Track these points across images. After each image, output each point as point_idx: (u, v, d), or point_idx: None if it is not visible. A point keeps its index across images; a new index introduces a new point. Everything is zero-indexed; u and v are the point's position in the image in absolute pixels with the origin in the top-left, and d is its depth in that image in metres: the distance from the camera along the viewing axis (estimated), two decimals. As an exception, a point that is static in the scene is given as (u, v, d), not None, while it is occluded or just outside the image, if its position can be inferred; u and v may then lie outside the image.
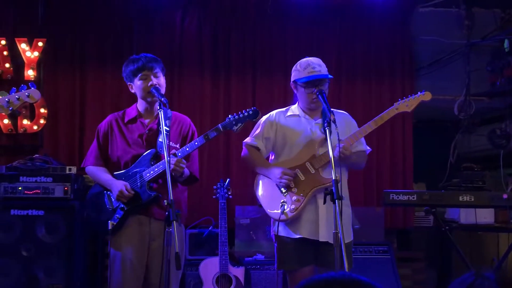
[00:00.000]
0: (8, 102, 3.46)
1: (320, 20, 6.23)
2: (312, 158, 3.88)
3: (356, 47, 6.32)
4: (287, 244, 3.87)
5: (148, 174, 3.78)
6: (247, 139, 4.07)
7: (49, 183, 4.94)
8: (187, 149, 3.77)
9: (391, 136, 6.26)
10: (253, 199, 5.65)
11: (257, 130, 4.04)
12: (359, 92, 6.28)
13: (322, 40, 6.24)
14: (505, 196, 4.75)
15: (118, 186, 3.78)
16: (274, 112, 4.09)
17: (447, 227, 4.93)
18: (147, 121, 3.94)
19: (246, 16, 6.18)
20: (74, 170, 5.03)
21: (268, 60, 6.18)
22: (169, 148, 3.55)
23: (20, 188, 4.90)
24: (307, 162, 3.89)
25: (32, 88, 3.49)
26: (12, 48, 5.66)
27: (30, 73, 5.67)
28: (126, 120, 3.97)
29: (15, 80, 5.62)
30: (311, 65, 3.89)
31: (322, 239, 3.78)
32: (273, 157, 4.07)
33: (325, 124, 3.58)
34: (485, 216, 5.86)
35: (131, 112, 3.99)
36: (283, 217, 3.81)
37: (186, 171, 3.83)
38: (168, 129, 3.68)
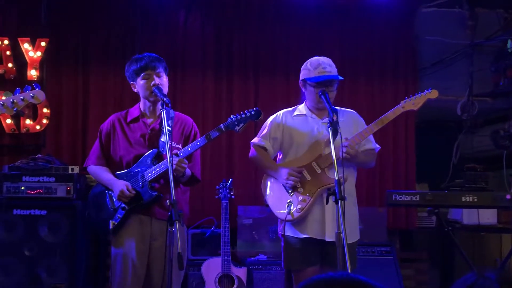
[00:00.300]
0: (12, 102, 3.47)
1: (323, 20, 6.23)
2: (318, 158, 3.88)
3: (359, 47, 6.32)
4: (294, 244, 3.87)
5: (149, 174, 3.78)
6: (255, 140, 4.07)
7: (52, 183, 4.94)
8: (189, 149, 3.77)
9: (394, 136, 6.25)
10: (256, 199, 5.69)
11: (264, 130, 4.05)
12: (362, 92, 6.27)
13: (325, 40, 6.23)
14: (508, 196, 4.74)
15: (119, 186, 3.78)
16: (281, 112, 4.09)
17: (450, 228, 4.92)
18: (149, 120, 3.94)
19: (249, 16, 6.18)
20: (76, 170, 5.04)
21: (270, 60, 6.18)
22: (172, 148, 3.55)
23: (22, 187, 4.91)
24: (313, 162, 3.89)
25: (37, 89, 3.50)
26: (15, 48, 5.67)
27: (33, 73, 5.67)
28: (128, 119, 3.97)
29: (18, 80, 5.63)
30: (321, 64, 3.88)
31: (328, 238, 3.78)
32: (280, 156, 4.07)
33: (328, 125, 3.57)
34: (488, 216, 5.85)
35: (133, 112, 3.99)
36: (289, 217, 3.81)
37: (188, 172, 3.83)
38: (170, 129, 3.67)
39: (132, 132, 3.94)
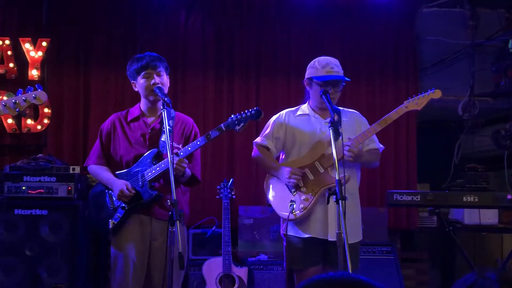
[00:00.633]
0: (14, 103, 3.48)
1: (324, 21, 6.23)
2: (321, 158, 3.88)
3: (360, 47, 6.32)
4: (296, 244, 3.87)
5: (149, 174, 3.79)
6: (257, 139, 4.07)
7: (53, 182, 4.94)
8: (189, 148, 3.78)
9: (395, 136, 6.25)
10: (257, 199, 5.70)
11: (267, 130, 4.05)
12: (363, 92, 6.27)
13: (326, 40, 6.23)
14: (509, 196, 4.74)
15: (119, 185, 3.79)
16: (284, 112, 4.09)
17: (451, 228, 4.92)
18: (150, 120, 3.95)
19: (250, 16, 6.17)
20: (77, 169, 5.04)
21: (271, 60, 6.18)
22: (172, 148, 3.55)
23: (23, 187, 4.91)
24: (316, 162, 3.89)
25: (39, 90, 3.51)
26: (16, 47, 5.67)
27: (34, 73, 5.67)
28: (129, 119, 3.97)
29: (19, 80, 5.64)
30: (329, 64, 3.89)
31: (331, 238, 3.77)
32: (283, 156, 4.07)
33: (329, 125, 3.57)
34: (489, 216, 5.85)
35: (134, 111, 4.00)
36: (291, 216, 3.81)
37: (188, 171, 3.83)
38: (171, 128, 3.67)
39: (132, 132, 3.94)
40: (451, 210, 6.08)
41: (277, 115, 4.08)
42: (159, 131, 3.89)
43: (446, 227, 4.90)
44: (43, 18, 5.81)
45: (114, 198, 3.85)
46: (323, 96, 3.76)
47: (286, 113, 4.07)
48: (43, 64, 5.72)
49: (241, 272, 5.08)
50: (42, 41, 5.67)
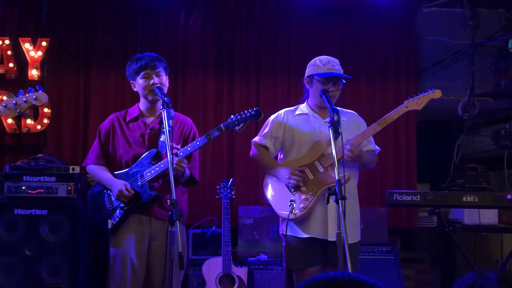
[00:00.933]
0: (15, 104, 3.49)
1: (324, 20, 6.23)
2: (321, 157, 3.88)
3: (360, 47, 6.32)
4: (296, 244, 3.86)
5: (149, 174, 3.79)
6: (256, 138, 4.07)
7: (53, 182, 4.94)
8: (189, 148, 3.78)
9: (395, 136, 6.25)
10: (257, 199, 5.69)
11: (265, 129, 4.04)
12: (363, 92, 6.27)
13: (326, 40, 6.23)
14: (509, 196, 4.73)
15: (118, 185, 3.79)
16: (282, 111, 4.08)
17: (451, 228, 4.91)
18: (149, 120, 3.95)
19: (250, 16, 6.18)
20: (77, 169, 5.04)
21: (272, 60, 6.18)
22: (172, 148, 3.55)
23: (23, 187, 4.91)
24: (316, 161, 3.88)
25: (40, 91, 3.51)
26: (16, 47, 5.67)
27: (33, 73, 5.68)
28: (128, 119, 3.98)
29: (19, 80, 5.64)
30: (331, 62, 3.90)
31: (331, 238, 3.77)
32: (281, 156, 4.07)
33: (329, 125, 3.57)
34: (489, 216, 5.84)
35: (133, 111, 4.00)
36: (292, 216, 3.80)
37: (187, 172, 3.84)
38: (170, 129, 3.67)
39: (131, 132, 3.94)
40: (451, 210, 6.07)
41: (276, 114, 4.08)
42: (158, 131, 3.89)
43: (446, 227, 4.89)
44: (43, 18, 5.81)
45: (113, 198, 3.86)
46: (323, 96, 3.76)
47: (284, 112, 4.07)
48: (43, 64, 5.72)
49: (241, 272, 5.08)
50: (42, 41, 5.67)
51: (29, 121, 5.66)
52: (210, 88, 6.07)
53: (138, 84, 3.90)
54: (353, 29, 6.32)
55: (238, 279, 5.03)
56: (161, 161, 3.78)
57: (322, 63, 3.90)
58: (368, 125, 3.98)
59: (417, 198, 4.76)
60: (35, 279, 4.82)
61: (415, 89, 6.01)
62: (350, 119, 4.01)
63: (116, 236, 3.85)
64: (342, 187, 3.34)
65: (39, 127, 5.67)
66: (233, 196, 5.08)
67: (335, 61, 3.94)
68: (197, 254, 5.40)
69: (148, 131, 3.92)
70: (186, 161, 3.75)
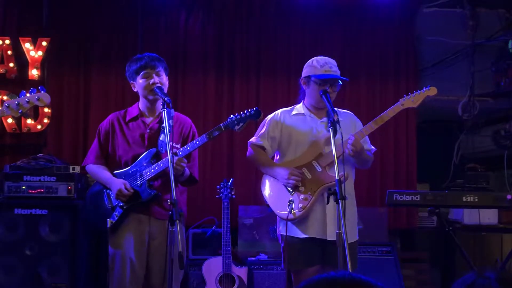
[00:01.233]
0: (17, 104, 3.50)
1: (324, 20, 6.23)
2: (318, 157, 3.88)
3: (361, 47, 6.32)
4: (295, 244, 3.85)
5: (148, 173, 3.79)
6: (252, 139, 4.06)
7: (53, 182, 4.95)
8: (188, 148, 3.78)
9: (395, 136, 6.25)
10: (257, 199, 5.69)
11: (262, 130, 4.03)
12: (363, 92, 6.27)
13: (327, 40, 6.23)
14: (509, 196, 4.73)
15: (117, 185, 3.80)
16: (279, 111, 4.08)
17: (450, 228, 4.91)
18: (148, 120, 3.96)
19: (251, 17, 6.18)
20: (77, 169, 5.04)
21: (272, 60, 6.18)
22: (172, 148, 3.55)
23: (23, 187, 4.91)
24: (313, 161, 3.89)
25: (42, 91, 3.52)
26: (16, 47, 5.68)
27: (34, 73, 5.68)
28: (127, 119, 3.98)
29: (19, 80, 5.64)
30: (328, 63, 3.90)
31: (330, 238, 3.77)
32: (278, 156, 4.06)
33: (329, 125, 3.57)
34: (489, 216, 5.85)
35: (132, 111, 4.01)
36: (291, 216, 3.80)
37: (187, 171, 3.85)
38: (171, 129, 3.68)
39: (130, 132, 3.95)
40: (451, 210, 6.07)
41: (272, 114, 4.07)
42: (157, 131, 3.90)
43: (446, 227, 4.89)
44: (43, 17, 5.81)
45: (112, 197, 3.86)
46: (323, 96, 3.76)
47: (281, 112, 4.07)
48: (43, 64, 5.72)
49: (241, 272, 5.08)
50: (42, 41, 5.67)
51: (29, 121, 5.66)
52: (210, 88, 6.08)
53: (138, 84, 3.90)
54: (353, 29, 6.32)
55: (238, 279, 5.04)
56: (160, 160, 3.79)
57: (319, 65, 3.90)
58: (364, 125, 3.98)
59: (417, 198, 4.76)
60: (35, 279, 4.82)
61: (415, 89, 5.99)
62: (346, 119, 4.01)
63: (116, 236, 3.86)
64: (342, 186, 3.34)
65: (39, 127, 5.68)
66: (233, 196, 5.08)
67: (332, 62, 3.94)
68: (197, 254, 5.40)
69: (148, 130, 3.92)
70: (186, 160, 3.76)
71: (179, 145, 3.88)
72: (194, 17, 6.11)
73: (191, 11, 6.11)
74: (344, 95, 6.11)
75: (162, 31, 6.06)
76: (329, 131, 3.82)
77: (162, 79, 3.88)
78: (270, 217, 5.49)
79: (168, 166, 3.44)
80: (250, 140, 4.08)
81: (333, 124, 3.54)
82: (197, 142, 3.78)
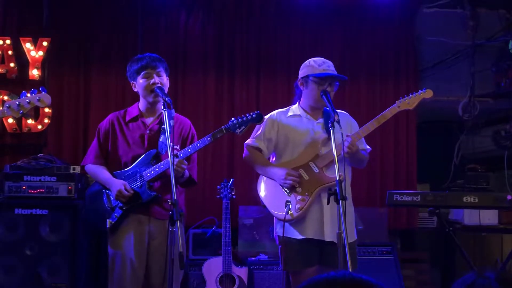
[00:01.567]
0: (18, 105, 3.50)
1: (324, 20, 6.23)
2: (315, 158, 3.88)
3: (361, 48, 6.32)
4: (292, 245, 3.85)
5: (148, 174, 3.79)
6: (248, 141, 4.05)
7: (53, 182, 4.94)
8: (189, 150, 3.78)
9: (395, 136, 6.25)
10: (257, 199, 5.66)
11: (258, 131, 4.02)
12: (363, 92, 6.27)
13: (327, 41, 6.24)
14: (509, 197, 4.73)
15: (117, 185, 3.80)
16: (275, 113, 4.07)
17: (451, 228, 4.91)
18: (148, 120, 3.96)
19: (251, 17, 6.18)
20: (78, 169, 5.04)
21: (272, 60, 6.18)
22: (173, 149, 3.55)
23: (24, 187, 4.91)
24: (310, 162, 3.89)
25: (43, 92, 3.52)
26: (17, 47, 5.68)
27: (34, 73, 5.68)
28: (127, 119, 3.98)
29: (20, 80, 5.65)
30: (326, 63, 3.92)
31: (327, 238, 3.78)
32: (274, 158, 4.06)
33: (329, 125, 3.57)
34: (489, 217, 5.85)
35: (132, 111, 4.00)
36: (288, 217, 3.79)
37: (186, 173, 3.85)
38: (171, 130, 3.67)
39: (130, 132, 3.95)
40: (451, 211, 6.07)
41: (268, 115, 4.05)
42: (157, 132, 3.90)
43: (446, 227, 4.89)
44: (44, 18, 5.81)
45: (112, 198, 3.86)
46: (324, 97, 3.77)
47: (277, 113, 4.06)
48: (44, 64, 5.72)
49: (241, 272, 5.08)
50: (42, 41, 5.68)
51: (30, 121, 5.66)
52: (210, 88, 6.08)
53: (139, 84, 3.90)
54: (353, 29, 6.32)
55: (238, 279, 5.04)
56: (160, 161, 3.79)
57: (317, 64, 3.91)
58: (361, 126, 3.98)
59: (417, 198, 4.76)
60: (35, 279, 4.82)
61: (415, 90, 5.95)
62: (342, 119, 4.00)
63: (115, 236, 3.86)
64: (343, 185, 3.34)
65: (39, 127, 5.68)
66: (234, 196, 5.08)
67: (330, 62, 3.95)
68: (198, 254, 5.40)
69: (148, 131, 3.92)
70: (186, 162, 3.75)
71: (178, 146, 3.88)
72: (194, 17, 6.11)
73: (191, 11, 6.11)
74: (344, 96, 6.11)
75: (162, 31, 6.06)
76: (325, 132, 3.84)
77: (163, 80, 3.88)
78: (270, 217, 5.45)
79: (169, 168, 3.44)
80: (246, 141, 4.07)
81: (334, 125, 3.54)
82: (198, 144, 3.77)
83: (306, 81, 3.94)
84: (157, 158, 3.84)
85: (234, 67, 6.14)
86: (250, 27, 6.18)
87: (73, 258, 4.89)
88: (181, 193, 3.97)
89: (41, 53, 5.68)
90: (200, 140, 3.79)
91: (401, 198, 4.75)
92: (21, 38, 5.68)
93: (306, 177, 3.87)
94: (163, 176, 3.77)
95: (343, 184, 3.36)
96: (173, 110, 3.66)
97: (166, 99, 3.62)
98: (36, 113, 5.68)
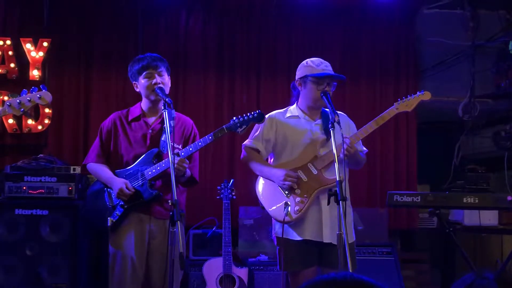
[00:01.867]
0: (19, 103, 3.50)
1: (324, 21, 6.24)
2: (314, 159, 3.88)
3: (361, 49, 6.32)
4: (291, 246, 3.84)
5: (150, 173, 3.80)
6: (246, 142, 4.03)
7: (54, 182, 4.94)
8: (191, 149, 3.79)
9: (395, 137, 6.25)
10: (257, 200, 5.69)
11: (256, 132, 4.01)
12: (363, 93, 6.27)
13: (327, 41, 6.24)
14: (509, 198, 4.73)
15: (119, 184, 3.80)
16: (273, 113, 4.06)
17: (451, 229, 4.91)
18: (151, 120, 3.96)
19: (251, 17, 6.19)
20: (78, 170, 5.04)
21: (272, 60, 6.19)
22: (173, 148, 3.56)
23: (24, 187, 4.91)
24: (309, 163, 3.88)
25: (44, 90, 3.52)
26: (17, 48, 5.68)
27: (35, 73, 5.68)
28: (130, 118, 3.99)
29: (20, 80, 5.64)
30: (323, 63, 3.92)
31: (326, 240, 3.78)
32: (272, 159, 4.05)
33: (330, 125, 3.57)
34: (489, 218, 5.85)
35: (135, 111, 4.01)
36: (287, 218, 3.79)
37: (187, 172, 3.85)
38: (172, 129, 3.68)
39: (133, 131, 3.96)
40: (451, 211, 6.07)
41: (266, 116, 4.04)
42: (159, 131, 3.91)
43: (446, 228, 4.89)
44: (44, 18, 5.81)
45: (113, 196, 3.87)
46: (324, 97, 3.76)
47: (275, 114, 4.04)
48: (44, 64, 5.72)
49: (241, 273, 5.08)
50: (43, 41, 5.68)
51: (30, 121, 5.66)
52: (211, 88, 6.08)
53: (140, 84, 3.91)
54: (353, 30, 6.33)
55: (238, 280, 5.04)
56: (162, 160, 3.80)
57: (315, 64, 3.91)
58: (358, 127, 3.98)
59: (417, 199, 4.76)
60: (35, 279, 4.82)
61: (415, 91, 5.98)
62: (340, 120, 4.00)
63: (116, 235, 3.86)
64: (343, 186, 3.34)
65: (40, 127, 5.68)
66: (234, 197, 5.08)
67: (327, 63, 3.95)
68: (198, 254, 5.41)
69: (150, 131, 3.93)
70: (188, 161, 3.76)
71: (180, 145, 3.89)
72: (195, 17, 6.11)
73: (192, 11, 6.12)
74: (344, 96, 6.11)
75: (163, 31, 6.07)
76: (323, 133, 3.84)
77: (164, 79, 3.89)
78: (270, 218, 5.46)
79: (170, 167, 3.44)
80: (244, 142, 4.05)
81: (334, 125, 3.54)
82: (200, 144, 3.78)
83: (304, 82, 3.93)
84: (159, 157, 3.85)
85: (234, 67, 6.14)
86: (250, 27, 6.18)
87: (73, 259, 4.89)
88: (182, 193, 3.98)
89: (41, 53, 5.68)
90: (201, 139, 3.80)
91: (401, 198, 4.75)
92: (21, 39, 5.68)
93: (304, 178, 3.86)
94: (165, 175, 3.78)
95: (343, 184, 3.36)
96: (173, 110, 3.67)
97: (167, 99, 3.63)
98: (36, 113, 5.68)
